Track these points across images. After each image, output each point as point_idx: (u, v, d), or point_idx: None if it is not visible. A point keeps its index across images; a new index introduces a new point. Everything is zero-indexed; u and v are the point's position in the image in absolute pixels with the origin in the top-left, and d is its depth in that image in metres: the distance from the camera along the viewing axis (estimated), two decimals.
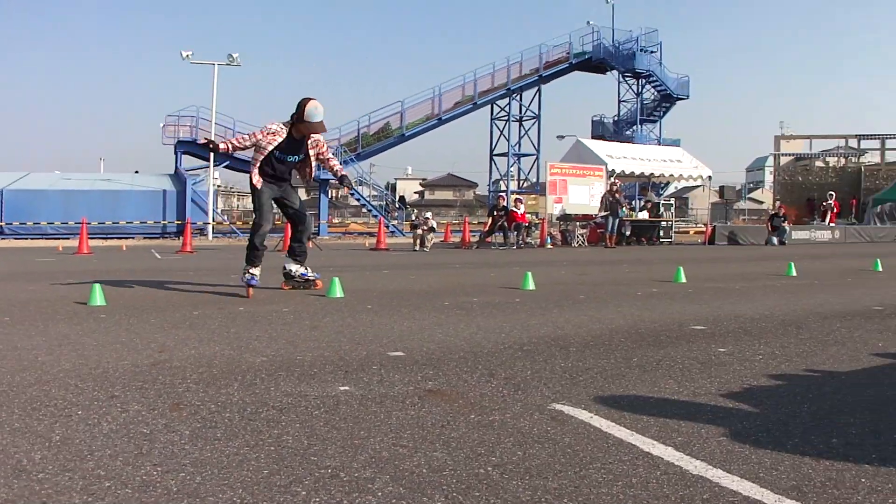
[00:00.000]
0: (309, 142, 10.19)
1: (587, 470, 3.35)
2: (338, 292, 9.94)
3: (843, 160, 66.80)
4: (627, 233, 30.57)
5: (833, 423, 4.22)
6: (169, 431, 3.84)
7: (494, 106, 53.47)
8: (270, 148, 9.95)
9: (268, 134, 9.99)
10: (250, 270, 10.19)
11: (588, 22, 56.10)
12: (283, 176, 10.34)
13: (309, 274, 10.81)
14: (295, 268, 10.77)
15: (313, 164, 10.53)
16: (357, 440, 3.71)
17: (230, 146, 10.33)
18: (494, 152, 55.16)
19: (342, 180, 10.89)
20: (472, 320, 7.93)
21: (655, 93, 57.51)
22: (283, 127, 10.01)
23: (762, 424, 4.15)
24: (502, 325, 7.57)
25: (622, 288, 11.74)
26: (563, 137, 59.58)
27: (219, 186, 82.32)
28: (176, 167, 43.25)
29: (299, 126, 9.92)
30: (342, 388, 4.76)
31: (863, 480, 3.33)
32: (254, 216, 10.62)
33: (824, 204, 41.93)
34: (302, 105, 9.82)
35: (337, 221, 64.16)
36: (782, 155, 67.30)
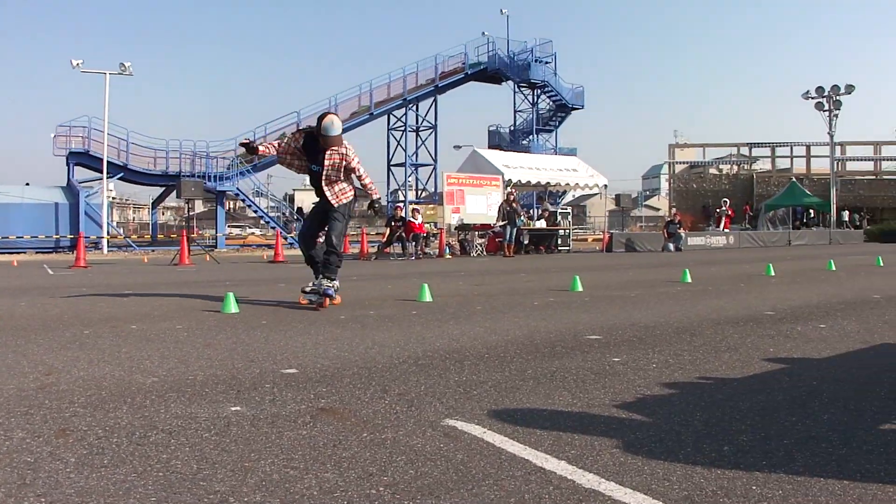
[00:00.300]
0: (326, 153, 10.35)
1: (480, 487, 3.35)
2: (232, 308, 9.80)
3: (735, 168, 68.29)
4: (525, 241, 30.78)
5: (725, 430, 4.29)
6: (54, 459, 3.72)
7: (391, 116, 53.52)
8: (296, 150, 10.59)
9: (294, 132, 10.91)
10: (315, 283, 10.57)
11: (483, 33, 56.42)
12: (319, 192, 10.69)
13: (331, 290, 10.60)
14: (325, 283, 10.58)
15: (342, 181, 10.72)
16: (248, 463, 3.65)
17: (271, 149, 10.71)
18: (392, 163, 55.20)
19: (372, 204, 11.29)
20: (368, 334, 7.88)
21: (551, 103, 58.10)
22: (304, 132, 10.69)
23: (655, 434, 4.20)
24: (398, 339, 7.55)
25: (519, 298, 11.81)
26: (459, 147, 60.00)
27: (113, 199, 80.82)
28: (68, 179, 42.23)
29: (317, 137, 10.32)
30: (234, 409, 4.68)
31: (753, 488, 3.39)
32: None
33: (719, 210, 42.90)
34: (320, 119, 10.28)
35: (235, 233, 63.37)
36: (677, 163, 68.36)
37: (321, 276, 10.54)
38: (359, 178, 10.79)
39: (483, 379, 5.63)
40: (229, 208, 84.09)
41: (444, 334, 7.92)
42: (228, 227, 60.07)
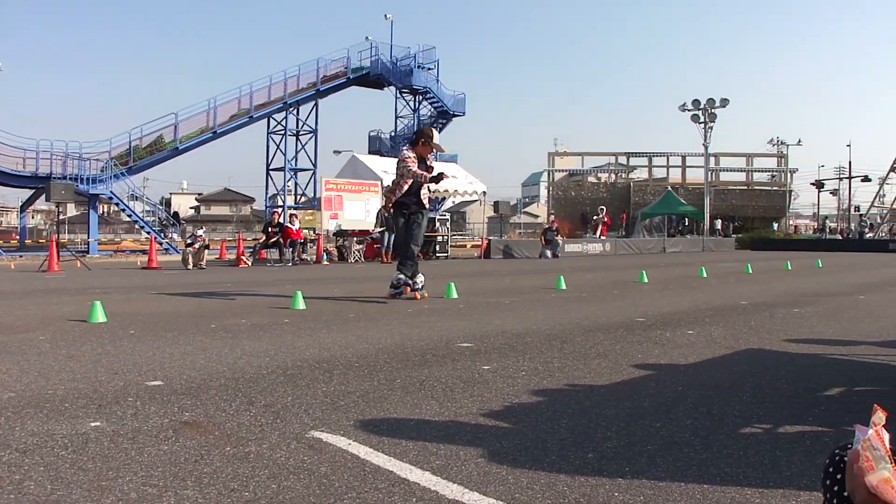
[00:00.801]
0: (428, 162, 12.72)
1: (342, 501, 3.33)
2: (100, 317, 9.52)
3: (613, 176, 69.53)
4: None
5: (590, 437, 4.35)
6: None
7: (271, 119, 52.72)
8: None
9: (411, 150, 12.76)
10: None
11: (367, 37, 56.17)
12: (416, 197, 12.84)
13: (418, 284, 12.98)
14: (403, 278, 12.93)
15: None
16: (105, 481, 3.55)
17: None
18: (271, 167, 54.44)
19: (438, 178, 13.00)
20: (238, 344, 7.76)
21: (432, 109, 58.07)
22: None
23: (521, 443, 4.24)
24: (268, 349, 7.45)
25: (393, 305, 11.81)
26: (339, 152, 59.76)
27: None
28: None
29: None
30: (93, 425, 4.54)
31: (616, 494, 3.44)
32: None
33: (595, 218, 43.55)
34: (427, 131, 12.89)
35: (107, 239, 61.79)
36: (556, 171, 69.28)
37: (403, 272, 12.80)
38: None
39: (351, 389, 5.60)
40: (103, 212, 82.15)
41: (315, 343, 7.86)
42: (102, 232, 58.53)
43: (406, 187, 12.58)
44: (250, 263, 26.82)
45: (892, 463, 1.55)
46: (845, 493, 1.73)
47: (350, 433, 4.38)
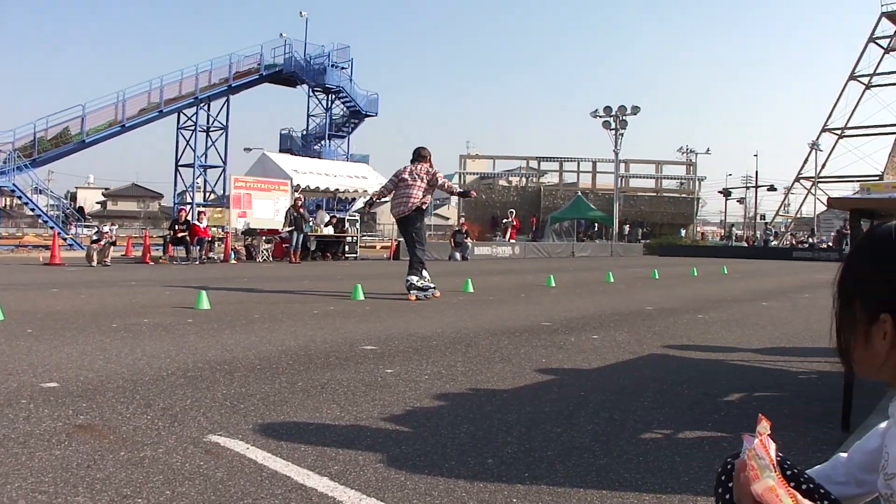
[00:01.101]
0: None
1: None
2: None
3: (524, 180, 69.95)
4: (312, 248, 30.55)
5: (491, 442, 4.34)
6: None
7: (181, 115, 51.95)
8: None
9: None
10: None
11: (281, 34, 55.83)
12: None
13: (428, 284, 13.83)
14: (415, 279, 13.69)
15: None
16: None
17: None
18: (180, 163, 53.62)
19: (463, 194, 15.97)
20: (139, 344, 7.60)
21: (345, 108, 57.90)
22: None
23: (421, 448, 4.21)
24: (169, 350, 7.31)
25: (298, 306, 11.70)
26: (250, 150, 59.15)
27: None
28: None
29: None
30: None
31: (514, 501, 3.44)
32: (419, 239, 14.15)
33: (505, 221, 43.76)
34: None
35: (8, 233, 60.19)
36: (467, 173, 69.49)
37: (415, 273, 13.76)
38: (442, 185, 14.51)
39: (252, 391, 5.51)
40: (5, 205, 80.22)
41: (217, 344, 7.74)
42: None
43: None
44: (161, 260, 26.40)
45: (776, 472, 1.55)
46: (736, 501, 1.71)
47: (248, 437, 4.31)
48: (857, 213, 5.07)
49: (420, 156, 14.10)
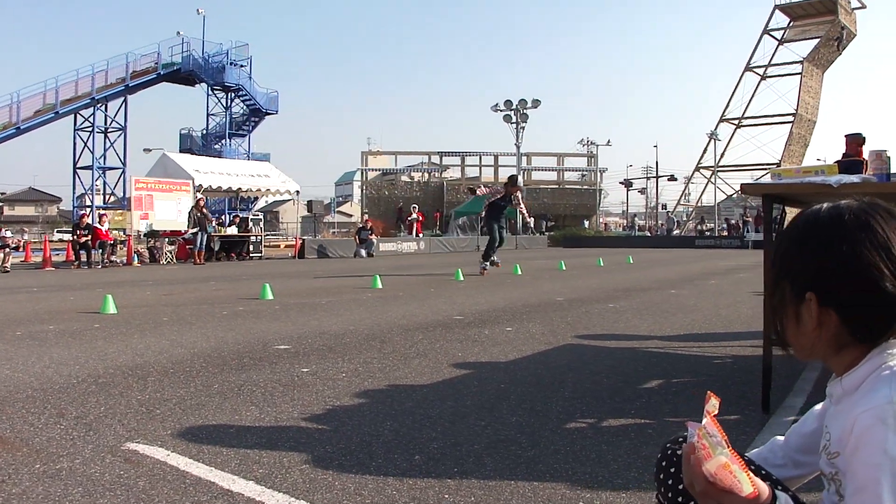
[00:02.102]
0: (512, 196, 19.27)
1: None
2: None
3: (426, 175, 70.01)
4: (216, 248, 30.16)
5: (416, 439, 4.29)
6: None
7: (78, 116, 50.82)
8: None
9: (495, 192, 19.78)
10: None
11: (178, 32, 54.84)
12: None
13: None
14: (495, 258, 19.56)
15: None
16: None
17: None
18: (78, 165, 52.44)
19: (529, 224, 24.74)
20: (46, 352, 7.37)
21: (245, 107, 57.27)
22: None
23: (345, 447, 4.14)
24: (78, 356, 7.09)
25: (208, 307, 11.49)
26: (150, 151, 57.94)
27: None
28: None
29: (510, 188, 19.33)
30: None
31: (446, 496, 3.40)
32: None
33: (410, 218, 43.77)
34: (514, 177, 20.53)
35: None
36: (369, 170, 69.31)
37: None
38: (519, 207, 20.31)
39: (167, 396, 5.37)
40: None
41: (127, 349, 7.54)
42: None
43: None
44: (73, 267, 25.76)
45: (729, 448, 1.52)
46: (681, 487, 1.73)
47: (168, 443, 4.19)
48: (768, 198, 5.17)
49: (512, 181, 19.84)
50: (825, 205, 1.66)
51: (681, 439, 1.81)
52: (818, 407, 1.89)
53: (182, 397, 5.35)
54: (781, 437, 1.99)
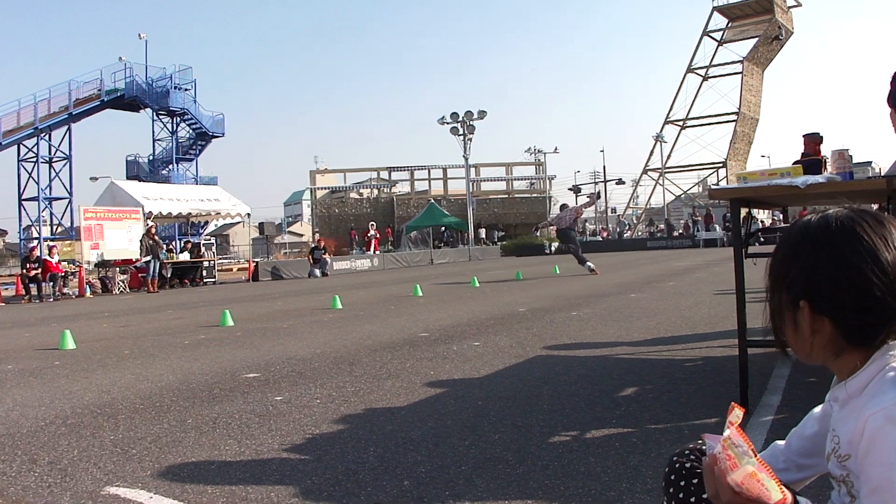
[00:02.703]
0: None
1: None
2: None
3: (376, 191, 69.94)
4: (169, 275, 29.87)
5: (402, 463, 4.24)
6: None
7: (21, 146, 50.17)
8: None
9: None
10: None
11: (120, 58, 54.28)
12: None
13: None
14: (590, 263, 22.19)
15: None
16: None
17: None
18: (24, 197, 51.71)
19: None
20: (8, 393, 7.20)
21: (191, 131, 56.81)
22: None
23: (332, 477, 4.07)
24: (42, 397, 6.92)
25: (168, 338, 11.31)
26: (97, 179, 57.40)
27: None
28: None
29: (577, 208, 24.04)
30: None
31: None
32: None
33: (368, 235, 43.76)
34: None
35: None
36: (318, 189, 69.10)
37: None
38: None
39: (141, 435, 5.25)
40: None
41: (92, 386, 7.38)
42: None
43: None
44: (29, 299, 25.35)
45: (756, 457, 1.56)
46: (692, 500, 1.74)
47: (149, 485, 4.08)
48: (736, 202, 5.22)
49: (566, 206, 24.69)
50: (816, 215, 1.70)
51: (687, 451, 1.83)
52: (817, 410, 1.92)
53: (157, 435, 5.23)
54: (781, 442, 2.01)
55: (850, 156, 4.88)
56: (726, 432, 1.58)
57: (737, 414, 1.63)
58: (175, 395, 6.64)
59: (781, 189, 4.79)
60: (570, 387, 6.15)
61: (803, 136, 7.99)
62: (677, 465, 1.83)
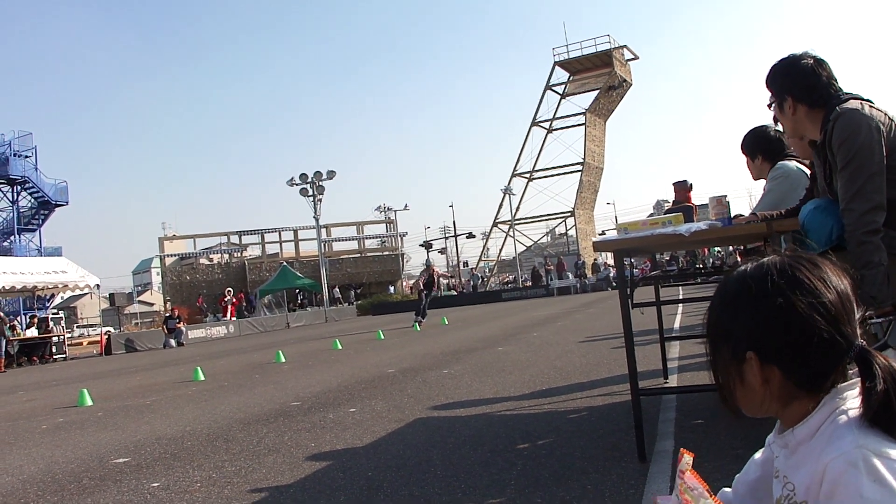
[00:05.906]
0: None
1: None
2: None
3: (227, 256, 69.00)
4: (16, 353, 28.67)
5: None
6: None
7: None
8: None
9: None
10: None
11: None
12: None
13: None
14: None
15: None
16: None
17: None
18: None
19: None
20: None
21: (33, 200, 55.40)
22: None
23: None
24: None
25: (24, 422, 10.67)
26: None
27: None
28: None
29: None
30: None
31: None
32: None
33: (224, 301, 43.10)
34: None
35: None
36: (167, 256, 67.77)
37: None
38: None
39: None
40: None
41: None
42: None
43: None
44: None
45: (712, 497, 1.58)
46: None
47: None
48: (620, 252, 5.20)
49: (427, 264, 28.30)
50: (748, 265, 1.72)
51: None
52: (758, 455, 1.93)
53: None
54: (728, 489, 2.00)
55: (728, 202, 4.92)
56: (679, 481, 1.62)
57: (686, 461, 1.67)
58: (40, 489, 6.16)
59: (666, 238, 4.78)
60: (459, 449, 5.98)
61: (673, 183, 8.16)
62: None
